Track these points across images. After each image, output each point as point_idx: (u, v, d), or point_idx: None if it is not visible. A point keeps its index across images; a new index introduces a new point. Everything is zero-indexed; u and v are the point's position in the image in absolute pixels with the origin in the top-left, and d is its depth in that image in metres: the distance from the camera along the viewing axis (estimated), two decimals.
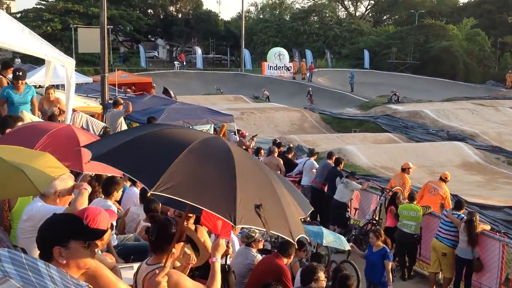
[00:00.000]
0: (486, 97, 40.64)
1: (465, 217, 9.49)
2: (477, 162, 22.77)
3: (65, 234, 2.71)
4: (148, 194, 2.89)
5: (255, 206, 2.97)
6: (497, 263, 9.40)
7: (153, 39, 70.12)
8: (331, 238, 8.64)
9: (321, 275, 5.98)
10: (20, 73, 9.03)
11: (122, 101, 11.68)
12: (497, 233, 9.66)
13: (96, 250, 2.86)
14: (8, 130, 6.00)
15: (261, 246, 7.40)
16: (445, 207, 11.61)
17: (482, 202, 15.19)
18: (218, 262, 3.67)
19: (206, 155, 3.23)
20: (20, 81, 8.85)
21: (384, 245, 8.63)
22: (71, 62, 10.38)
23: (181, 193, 2.96)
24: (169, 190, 2.91)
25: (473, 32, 56.36)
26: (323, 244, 8.66)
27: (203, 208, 2.97)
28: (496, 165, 22.66)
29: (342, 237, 9.06)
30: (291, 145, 18.20)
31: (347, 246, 8.90)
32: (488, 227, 9.86)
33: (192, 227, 5.06)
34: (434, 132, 27.76)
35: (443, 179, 12.39)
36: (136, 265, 4.17)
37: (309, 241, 8.56)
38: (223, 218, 2.90)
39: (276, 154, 14.05)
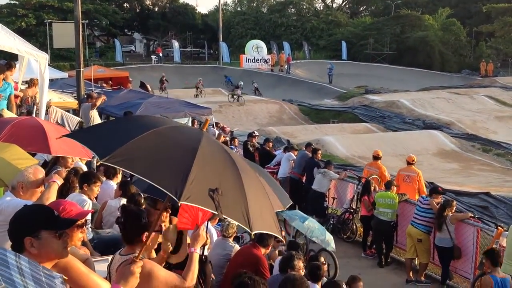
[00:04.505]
0: (461, 86, 41.17)
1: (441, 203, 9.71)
2: (452, 150, 23.11)
3: (36, 224, 2.71)
4: (98, 164, 2.96)
5: (209, 189, 3.00)
6: (472, 248, 9.59)
7: (129, 33, 69.51)
8: (316, 230, 8.65)
9: (299, 263, 6.03)
10: None
11: (95, 95, 11.60)
12: (472, 219, 9.82)
13: (68, 240, 2.86)
14: None
15: (235, 233, 7.41)
16: (420, 193, 11.79)
17: (458, 189, 15.43)
18: (196, 253, 3.67)
19: (173, 137, 3.29)
20: None
21: None
22: (44, 56, 10.24)
23: (130, 166, 3.05)
24: (118, 162, 3.00)
25: (449, 22, 56.99)
26: (304, 223, 8.69)
27: (150, 182, 3.01)
28: (471, 153, 23.02)
29: (330, 236, 8.92)
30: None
31: (331, 246, 8.78)
32: (468, 215, 9.99)
33: (167, 218, 5.08)
34: (410, 121, 28.07)
35: (411, 163, 12.55)
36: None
37: (283, 235, 8.49)
38: (168, 193, 2.94)
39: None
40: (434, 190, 10.45)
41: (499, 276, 7.18)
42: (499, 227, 9.04)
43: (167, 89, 36.32)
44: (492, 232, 9.12)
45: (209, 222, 6.54)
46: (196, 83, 37.56)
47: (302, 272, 5.97)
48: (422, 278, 9.95)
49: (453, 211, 9.67)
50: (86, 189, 5.60)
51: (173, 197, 2.92)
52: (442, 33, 56.17)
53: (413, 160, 12.64)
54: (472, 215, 10.10)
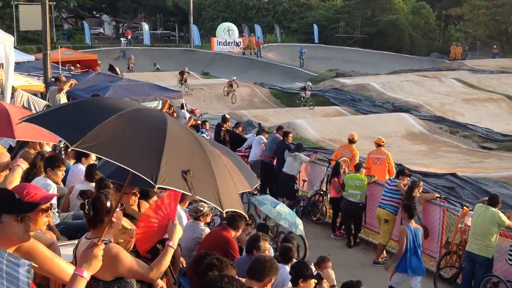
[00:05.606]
0: (430, 69, 41.69)
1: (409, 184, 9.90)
2: (421, 132, 23.48)
3: None
4: (69, 150, 2.92)
5: (182, 171, 3.01)
6: (438, 228, 9.81)
7: (98, 15, 68.25)
8: (287, 216, 8.70)
9: (265, 244, 6.07)
10: None
11: (64, 79, 11.41)
12: (438, 199, 10.03)
13: (31, 224, 2.83)
14: None
15: (208, 220, 7.47)
16: (389, 175, 11.97)
17: (425, 170, 15.71)
18: (172, 248, 3.63)
19: (139, 120, 3.28)
20: None
21: None
22: (9, 39, 10.05)
23: (102, 151, 3.02)
24: (90, 148, 2.97)
25: (419, 5, 57.51)
26: (276, 209, 8.74)
27: (125, 167, 2.99)
28: (439, 135, 23.43)
29: (300, 222, 8.95)
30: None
31: (300, 229, 8.84)
32: (435, 195, 10.20)
33: (135, 202, 5.06)
34: (380, 104, 28.38)
35: (380, 145, 12.75)
36: None
37: (247, 217, 8.47)
38: (144, 177, 2.93)
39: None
40: (401, 172, 10.64)
41: (413, 226, 8.34)
42: (464, 207, 9.27)
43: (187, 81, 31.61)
44: (458, 212, 9.33)
45: (178, 205, 6.56)
46: (229, 82, 31.09)
47: (268, 253, 6.01)
48: (380, 260, 10.05)
49: (420, 191, 9.87)
50: (50, 173, 5.54)
51: (150, 181, 2.91)
52: (412, 16, 56.68)
53: (382, 142, 12.84)
54: (439, 195, 10.31)
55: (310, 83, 29.86)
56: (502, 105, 29.38)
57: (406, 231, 8.20)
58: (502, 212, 8.39)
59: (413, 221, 8.45)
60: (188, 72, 32.62)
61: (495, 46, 51.42)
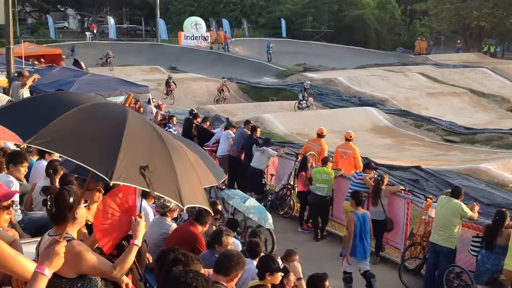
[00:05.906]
0: (395, 63, 42.24)
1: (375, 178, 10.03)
2: (386, 125, 23.81)
3: None
4: (21, 146, 2.88)
5: (140, 167, 2.98)
6: (403, 220, 9.98)
7: (62, 9, 67.02)
8: (256, 210, 8.73)
9: (227, 239, 6.08)
10: None
11: (27, 74, 11.18)
12: (403, 191, 10.19)
13: None
14: None
15: (176, 215, 7.43)
16: (356, 169, 12.11)
17: (390, 163, 15.94)
18: (136, 246, 3.56)
19: (97, 115, 3.23)
20: None
21: None
22: None
23: (57, 147, 2.99)
24: (44, 143, 2.92)
25: (384, 0, 58.22)
26: (245, 203, 8.76)
27: (79, 163, 2.94)
28: (404, 128, 23.81)
29: (269, 216, 8.99)
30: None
31: (269, 223, 8.89)
32: (400, 188, 10.36)
33: (100, 199, 5.00)
34: (347, 98, 28.66)
35: (348, 139, 12.91)
36: None
37: (213, 212, 8.46)
38: (99, 173, 2.90)
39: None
40: (367, 165, 10.78)
41: (360, 213, 8.50)
42: (428, 199, 9.43)
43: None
44: (422, 204, 9.50)
45: (144, 201, 6.51)
46: (220, 86, 29.74)
47: (230, 248, 6.01)
48: None
49: (385, 184, 10.02)
50: (12, 169, 5.43)
51: (105, 178, 2.87)
52: (378, 11, 57.40)
53: (351, 137, 12.96)
54: (403, 188, 10.48)
55: (309, 82, 28.01)
56: (465, 99, 30.00)
57: (353, 219, 8.37)
58: (464, 203, 8.57)
59: (359, 207, 8.60)
60: (174, 83, 28.88)
61: (458, 41, 52.49)
